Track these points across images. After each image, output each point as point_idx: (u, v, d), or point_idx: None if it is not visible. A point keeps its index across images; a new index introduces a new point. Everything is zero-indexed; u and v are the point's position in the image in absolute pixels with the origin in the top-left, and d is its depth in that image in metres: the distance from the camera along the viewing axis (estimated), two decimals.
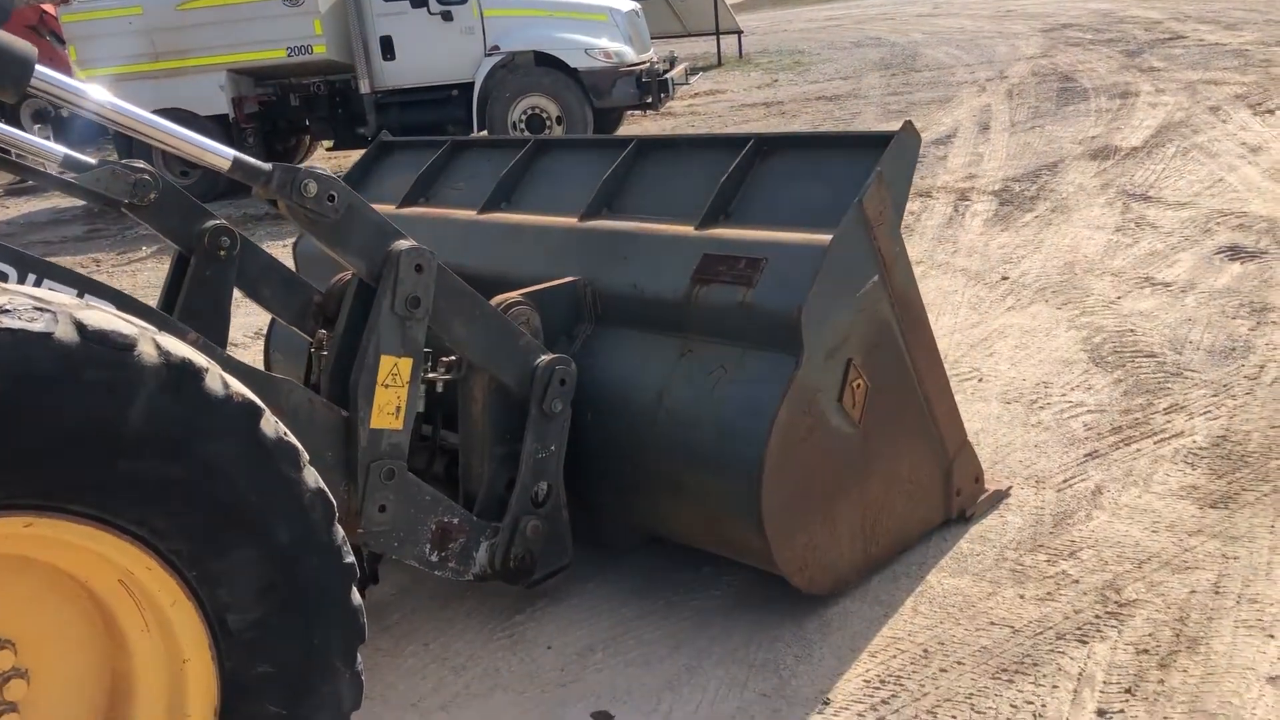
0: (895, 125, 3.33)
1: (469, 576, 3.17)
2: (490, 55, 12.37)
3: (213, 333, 3.48)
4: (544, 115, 12.34)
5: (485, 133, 12.21)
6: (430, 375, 3.33)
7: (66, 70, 16.63)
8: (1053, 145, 10.04)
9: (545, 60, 12.42)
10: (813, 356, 3.10)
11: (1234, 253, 6.33)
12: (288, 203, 2.77)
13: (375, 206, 4.57)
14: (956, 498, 3.65)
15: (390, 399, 2.93)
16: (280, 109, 13.32)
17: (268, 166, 2.72)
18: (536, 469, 3.25)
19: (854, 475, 3.29)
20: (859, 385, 3.24)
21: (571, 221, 3.79)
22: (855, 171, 3.27)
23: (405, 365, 2.95)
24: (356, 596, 2.17)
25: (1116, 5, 22.46)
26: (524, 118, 12.34)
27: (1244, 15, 17.86)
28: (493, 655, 3.26)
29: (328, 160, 14.84)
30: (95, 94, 2.57)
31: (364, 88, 12.52)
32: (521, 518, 3.22)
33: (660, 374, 3.33)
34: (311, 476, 2.10)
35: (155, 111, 11.14)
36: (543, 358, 3.24)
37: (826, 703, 2.90)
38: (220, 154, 2.66)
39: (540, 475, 3.26)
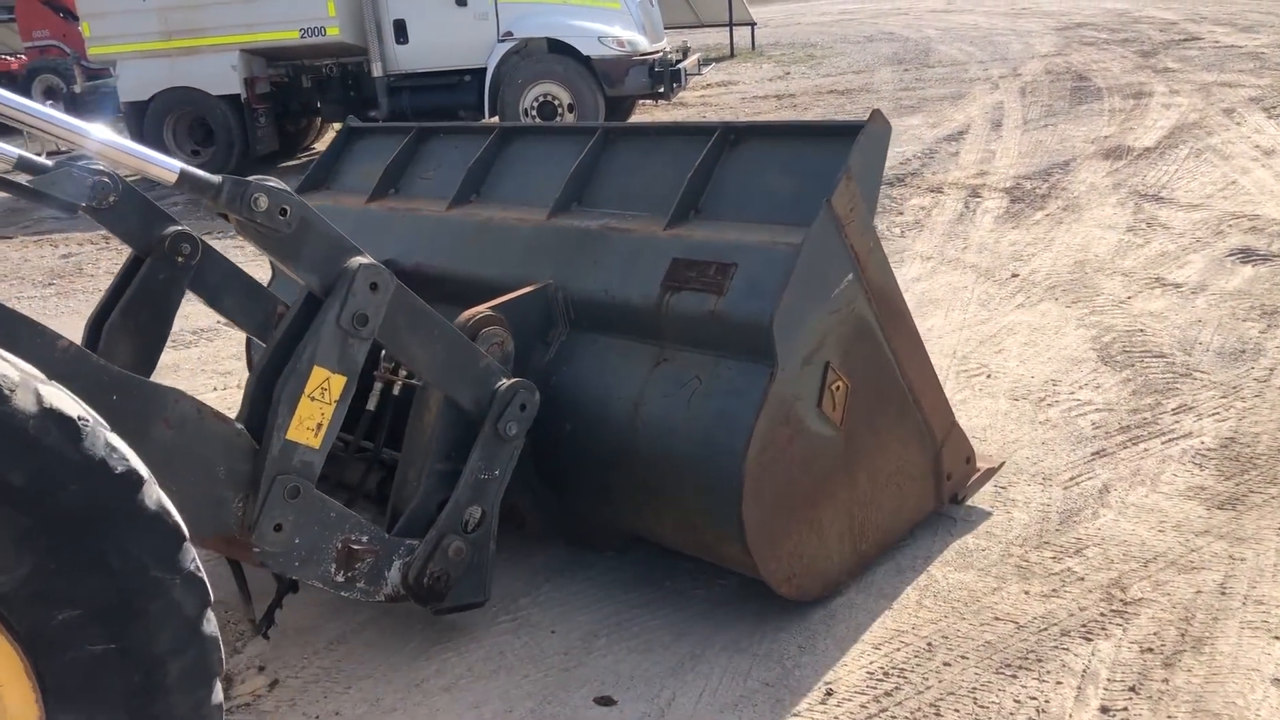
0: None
1: (380, 597, 2.97)
2: (503, 41, 12.35)
3: (150, 334, 3.45)
4: (555, 102, 12.32)
5: (496, 119, 12.20)
6: (390, 376, 3.26)
7: (80, 47, 16.62)
8: (1065, 144, 10.01)
9: (558, 47, 12.39)
10: (788, 365, 3.02)
11: (1246, 255, 6.32)
12: (238, 217, 2.64)
13: (346, 199, 4.60)
14: (947, 482, 3.62)
15: (313, 413, 2.75)
16: (292, 90, 13.33)
17: (216, 179, 2.61)
18: (475, 490, 3.07)
19: (839, 477, 3.25)
20: (838, 387, 3.18)
21: (540, 219, 3.68)
22: (825, 163, 3.18)
23: (337, 383, 2.79)
24: (211, 625, 1.94)
25: (1132, 5, 22.36)
26: (535, 104, 12.32)
27: (1261, 18, 17.78)
28: (497, 638, 3.27)
29: None
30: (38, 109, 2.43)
31: (376, 71, 12.51)
32: (446, 536, 3.03)
33: (636, 383, 3.26)
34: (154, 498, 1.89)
35: (168, 90, 11.25)
36: (505, 381, 3.10)
37: (829, 693, 2.91)
38: (166, 167, 2.53)
39: (477, 498, 3.08)
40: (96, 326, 3.44)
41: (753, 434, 2.95)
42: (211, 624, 1.93)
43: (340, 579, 2.87)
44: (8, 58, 24.15)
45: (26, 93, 19.99)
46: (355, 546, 2.86)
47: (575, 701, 2.96)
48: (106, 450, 1.81)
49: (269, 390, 2.77)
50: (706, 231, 3.30)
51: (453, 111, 12.23)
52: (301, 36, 12.34)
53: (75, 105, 16.63)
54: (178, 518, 1.89)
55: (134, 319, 3.42)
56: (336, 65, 13.10)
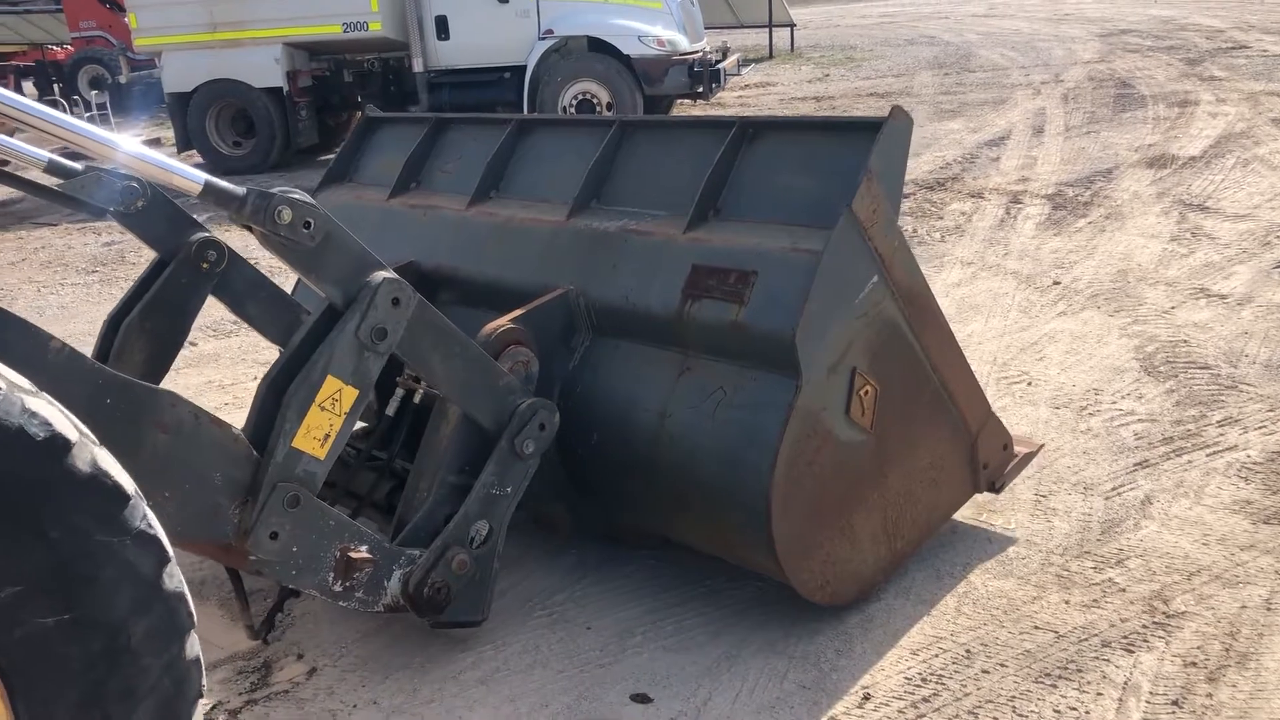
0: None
1: (379, 608, 2.93)
2: (544, 39, 12.40)
3: (166, 338, 3.46)
4: (594, 101, 12.34)
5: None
6: (412, 383, 3.22)
7: (126, 38, 16.84)
8: (1108, 151, 9.91)
9: (598, 46, 12.42)
10: (813, 377, 2.95)
11: None
12: (262, 230, 2.62)
13: (368, 194, 4.59)
14: (984, 472, 3.56)
15: (322, 423, 2.72)
16: (333, 84, 13.44)
17: (241, 191, 2.58)
18: (485, 504, 3.05)
19: (870, 480, 3.20)
20: (866, 391, 3.12)
21: (559, 219, 3.64)
22: (845, 161, 3.10)
23: (349, 395, 2.75)
24: (174, 580, 1.89)
25: (1178, 12, 22.11)
26: (574, 103, 12.35)
27: None
28: (533, 632, 3.28)
29: None
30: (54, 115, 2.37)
31: (417, 66, 12.60)
32: (451, 547, 2.99)
33: (661, 393, 3.22)
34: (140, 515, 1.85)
35: (211, 82, 11.39)
36: (525, 400, 3.09)
37: (867, 697, 2.89)
38: (191, 178, 2.51)
39: (486, 514, 3.05)
40: (114, 325, 3.46)
41: (779, 452, 2.90)
42: (174, 579, 1.87)
43: (338, 588, 2.83)
44: (54, 48, 24.50)
45: (72, 82, 20.30)
46: (354, 555, 2.81)
47: (611, 699, 2.96)
48: (24, 417, 1.71)
49: (279, 397, 2.73)
50: (726, 235, 3.23)
51: (491, 108, 12.29)
52: (344, 31, 12.45)
53: (120, 96, 16.83)
54: (118, 477, 1.81)
55: (152, 321, 3.43)
56: (378, 60, 13.20)
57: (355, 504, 3.34)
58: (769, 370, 3.00)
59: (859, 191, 3.00)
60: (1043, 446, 3.83)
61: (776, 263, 3.04)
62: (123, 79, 17.86)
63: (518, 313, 3.32)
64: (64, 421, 1.77)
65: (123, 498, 1.81)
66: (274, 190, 2.64)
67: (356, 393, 2.76)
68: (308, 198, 2.70)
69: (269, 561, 2.69)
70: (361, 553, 2.82)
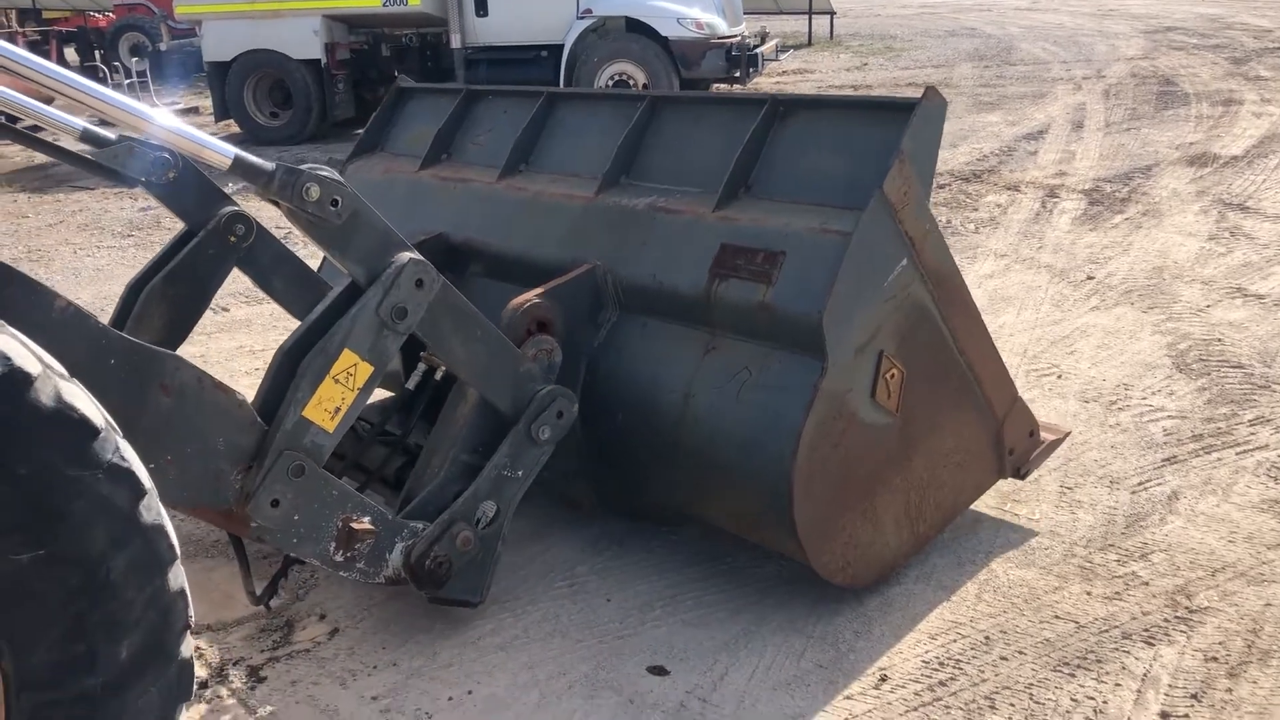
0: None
1: (380, 579, 2.93)
2: (582, 18, 12.37)
3: (186, 306, 3.49)
4: (631, 82, 12.31)
5: None
6: (434, 359, 3.21)
7: (168, 6, 16.93)
8: (1148, 148, 9.80)
9: (636, 26, 12.38)
10: (839, 359, 2.94)
11: None
12: (289, 205, 2.63)
13: (399, 165, 4.61)
14: (1009, 457, 3.54)
15: (334, 396, 2.71)
16: (371, 58, 13.47)
17: (270, 166, 2.59)
18: (494, 485, 3.05)
19: (894, 463, 3.19)
20: (893, 375, 3.11)
21: (589, 194, 3.64)
22: (877, 142, 3.08)
23: (364, 370, 2.75)
24: (153, 513, 1.87)
25: (1225, 10, 21.79)
26: (611, 83, 12.32)
27: None
28: (553, 602, 3.30)
29: None
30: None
31: (455, 42, 12.60)
32: (457, 523, 2.99)
33: (686, 373, 3.21)
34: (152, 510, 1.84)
35: (251, 52, 11.50)
36: (545, 387, 3.10)
37: (884, 679, 2.89)
38: (221, 152, 2.52)
39: (494, 494, 3.05)
40: (136, 290, 3.48)
41: (802, 434, 2.89)
42: (152, 512, 1.85)
43: (339, 558, 2.82)
44: (96, 15, 24.68)
45: (114, 49, 20.45)
46: (356, 526, 2.81)
47: (628, 669, 2.98)
48: None
49: (295, 365, 2.73)
50: (755, 214, 3.22)
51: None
52: (384, 5, 12.47)
53: (160, 63, 16.94)
54: (85, 411, 1.77)
55: (174, 289, 3.45)
56: (416, 35, 13.22)
57: (364, 478, 3.35)
58: (795, 352, 2.99)
59: (890, 173, 2.97)
60: (1069, 433, 3.81)
61: (805, 243, 3.03)
62: (163, 47, 17.97)
63: (546, 286, 3.33)
64: (25, 355, 1.72)
65: (91, 431, 1.77)
66: (303, 166, 2.64)
67: (371, 369, 2.76)
68: (336, 175, 2.70)
69: (270, 529, 2.69)
70: (364, 523, 2.82)
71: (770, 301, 3.02)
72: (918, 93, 3.07)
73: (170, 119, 2.49)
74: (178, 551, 1.90)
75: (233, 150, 2.54)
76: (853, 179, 3.09)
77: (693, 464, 3.20)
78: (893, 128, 3.06)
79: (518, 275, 3.59)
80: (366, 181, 4.56)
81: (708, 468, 3.16)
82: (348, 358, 2.72)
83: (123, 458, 1.82)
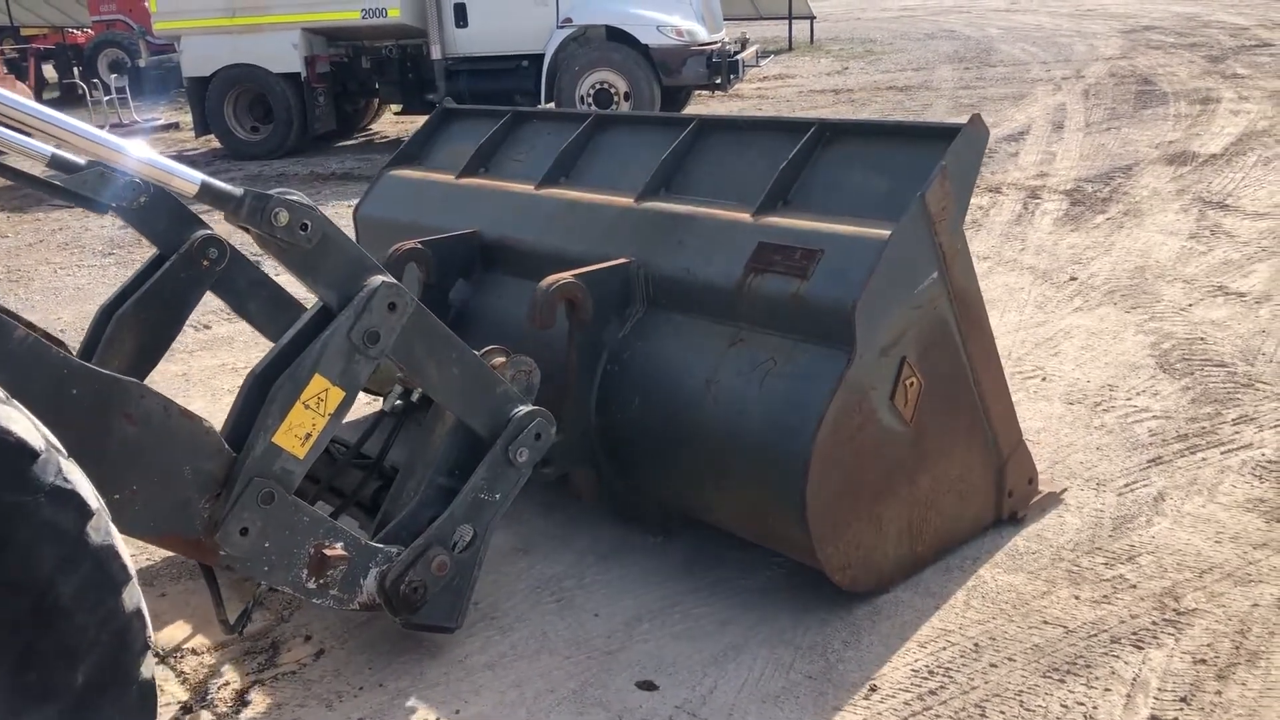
0: (965, 118, 3.26)
1: (354, 605, 2.88)
2: (562, 28, 12.35)
3: (158, 331, 3.45)
4: (612, 91, 12.31)
5: (552, 105, 12.21)
6: (411, 381, 3.16)
7: (146, 21, 16.86)
8: (1128, 148, 9.84)
9: (617, 35, 12.37)
10: (865, 353, 3.02)
11: None
12: (258, 231, 2.59)
13: (436, 174, 4.68)
14: (1008, 499, 3.59)
15: (304, 422, 2.66)
16: (351, 70, 13.44)
17: (238, 192, 2.56)
18: (471, 509, 2.98)
19: (903, 474, 3.24)
20: (912, 384, 3.17)
21: (628, 201, 3.76)
22: (920, 163, 3.19)
23: (335, 396, 2.69)
24: (101, 533, 1.82)
25: (1202, 9, 21.94)
26: (592, 92, 12.32)
27: None
28: (541, 618, 3.28)
29: (395, 125, 14.95)
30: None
31: (435, 53, 12.58)
32: (433, 547, 2.93)
33: (710, 361, 3.28)
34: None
35: (230, 67, 11.49)
36: (522, 409, 3.04)
37: (873, 689, 2.88)
38: (187, 178, 2.48)
39: (471, 518, 2.99)
40: (107, 315, 3.44)
41: (824, 416, 2.95)
42: (101, 532, 1.81)
43: (312, 585, 2.77)
44: (75, 31, 24.58)
45: (92, 66, 20.34)
46: (328, 552, 2.75)
47: (617, 685, 2.96)
48: None
49: (264, 390, 2.69)
50: (795, 219, 3.32)
51: (509, 97, 12.26)
52: (363, 17, 12.44)
53: (139, 79, 16.87)
54: (22, 434, 1.72)
55: (146, 313, 3.42)
56: (396, 47, 13.18)
57: (340, 501, 3.32)
58: (823, 344, 3.07)
59: (933, 184, 3.10)
60: (1065, 490, 3.81)
61: (844, 243, 3.13)
62: (141, 63, 17.89)
63: (577, 271, 3.40)
64: None
65: (30, 454, 1.72)
66: (271, 192, 2.62)
67: (343, 394, 2.71)
68: (305, 199, 2.67)
69: (239, 557, 2.64)
70: (336, 549, 2.78)
71: (804, 293, 3.11)
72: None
73: (140, 149, 2.46)
74: (131, 572, 1.86)
75: (199, 176, 2.50)
76: (892, 195, 3.21)
77: (708, 447, 3.24)
78: (936, 149, 3.19)
79: (551, 272, 3.59)
80: (403, 186, 4.70)
81: (724, 450, 3.19)
82: (319, 383, 2.67)
83: (66, 479, 1.77)
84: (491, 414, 3.02)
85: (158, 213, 3.40)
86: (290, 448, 2.65)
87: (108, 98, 16.44)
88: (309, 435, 2.68)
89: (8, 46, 21.87)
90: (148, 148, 2.53)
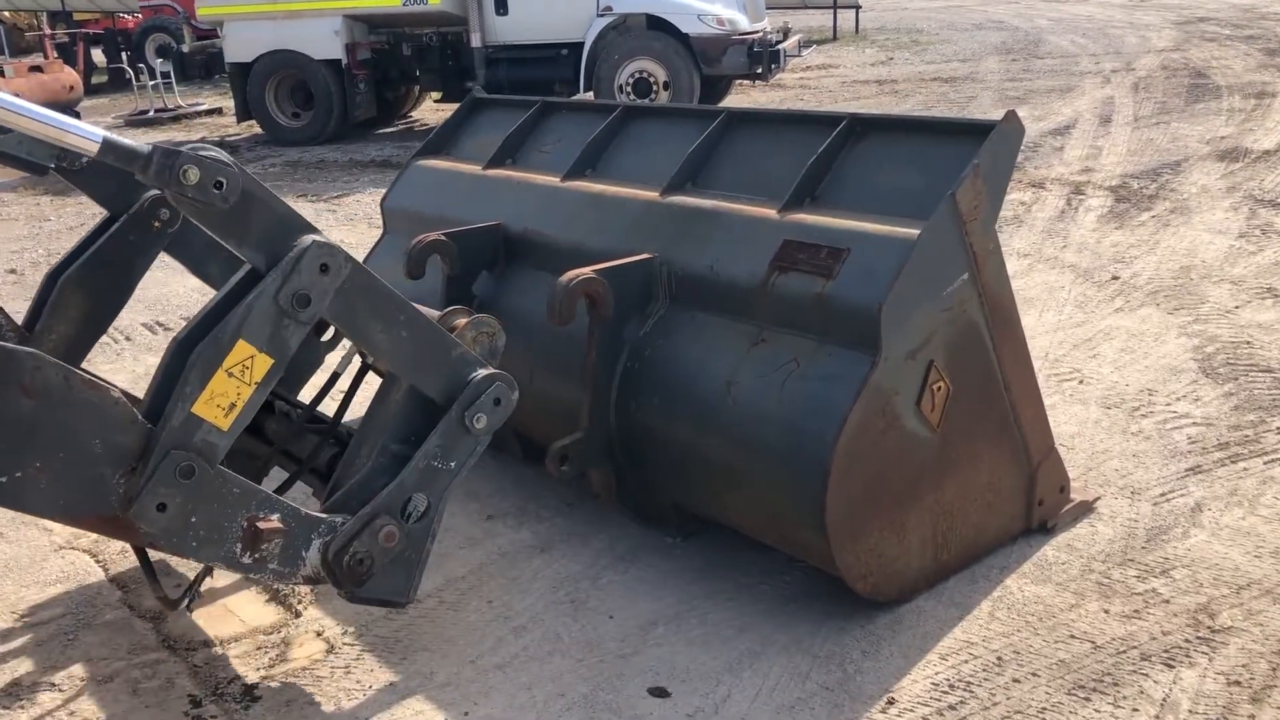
0: (1001, 114, 3.16)
1: (298, 580, 2.72)
2: (602, 16, 12.27)
3: (106, 295, 3.33)
4: (651, 80, 12.21)
5: (591, 94, 12.14)
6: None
7: (190, 6, 16.99)
8: (1177, 143, 9.60)
9: (657, 24, 12.27)
10: (891, 356, 2.94)
11: None
12: (169, 191, 2.40)
13: (463, 165, 4.65)
14: (1039, 508, 3.49)
15: (228, 391, 2.48)
16: (392, 57, 13.45)
17: (145, 149, 2.36)
18: (424, 476, 2.79)
19: (928, 481, 3.14)
20: (939, 388, 3.08)
21: (653, 195, 3.70)
22: (952, 161, 3.10)
23: (262, 364, 2.51)
24: None
25: (1259, 0, 21.42)
26: (631, 81, 12.23)
27: None
28: (555, 619, 3.23)
29: (435, 112, 14.95)
30: None
31: (475, 41, 12.54)
32: (381, 516, 2.75)
33: (731, 361, 3.21)
34: None
35: (272, 53, 11.58)
36: (481, 372, 2.83)
37: (891, 702, 2.80)
38: (88, 136, 2.31)
39: (424, 486, 2.80)
40: (53, 280, 3.32)
41: (846, 420, 2.87)
42: None
43: (247, 560, 2.61)
44: (125, 16, 24.85)
45: (140, 50, 20.54)
46: (262, 525, 2.59)
47: (629, 690, 2.90)
48: None
49: (186, 358, 2.51)
50: (822, 217, 3.25)
51: (549, 85, 12.21)
52: (404, 4, 12.44)
53: (184, 64, 17.01)
54: None
55: (93, 279, 3.30)
56: (436, 34, 13.17)
57: (295, 467, 3.19)
58: (847, 346, 2.99)
59: (964, 183, 3.01)
60: (1099, 498, 3.70)
61: (871, 242, 3.04)
62: (185, 48, 18.04)
63: (599, 266, 3.36)
64: None
65: None
66: (182, 148, 2.40)
67: (271, 362, 2.53)
68: (222, 155, 2.47)
69: (159, 535, 2.48)
70: (272, 522, 2.62)
71: (829, 293, 3.03)
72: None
73: (12, 99, 2.28)
74: None
75: (100, 133, 2.34)
76: (924, 194, 3.11)
77: (727, 448, 3.17)
78: (969, 146, 3.10)
79: (573, 266, 3.53)
80: (430, 175, 4.71)
81: (743, 451, 3.13)
82: (243, 349, 2.49)
83: None
84: (447, 378, 2.81)
85: (104, 173, 3.22)
86: (212, 418, 2.48)
87: (153, 82, 16.60)
88: (233, 405, 2.50)
89: (59, 30, 22.13)
90: (35, 104, 2.35)
